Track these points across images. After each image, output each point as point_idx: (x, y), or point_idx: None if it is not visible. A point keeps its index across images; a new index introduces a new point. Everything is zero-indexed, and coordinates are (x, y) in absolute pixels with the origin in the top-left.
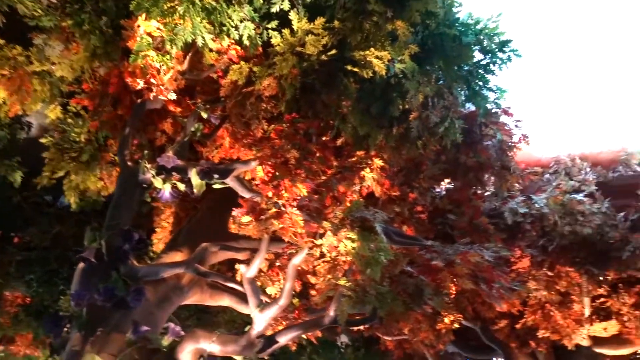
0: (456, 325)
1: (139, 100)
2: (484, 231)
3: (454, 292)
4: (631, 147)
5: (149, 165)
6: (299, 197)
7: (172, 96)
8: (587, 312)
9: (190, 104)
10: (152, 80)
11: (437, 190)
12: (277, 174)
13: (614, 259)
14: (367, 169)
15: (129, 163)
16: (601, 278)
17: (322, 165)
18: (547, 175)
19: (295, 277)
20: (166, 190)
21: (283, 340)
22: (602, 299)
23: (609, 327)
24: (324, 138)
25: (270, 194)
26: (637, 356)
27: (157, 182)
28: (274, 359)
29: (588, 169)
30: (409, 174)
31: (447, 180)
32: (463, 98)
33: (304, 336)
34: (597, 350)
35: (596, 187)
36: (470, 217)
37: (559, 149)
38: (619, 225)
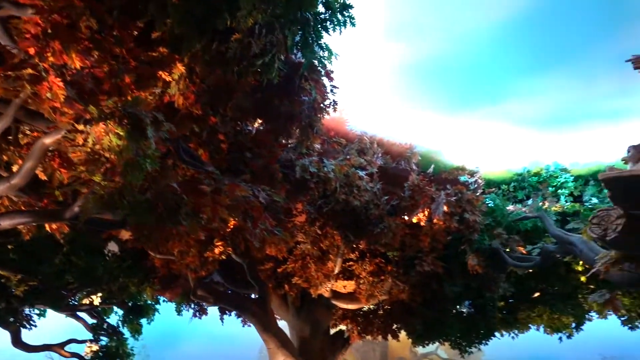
0: (223, 257)
1: None
2: (274, 178)
3: (231, 226)
4: (418, 148)
5: None
6: (74, 70)
7: None
8: (336, 270)
9: None
10: None
11: (249, 128)
12: (50, 31)
13: (369, 232)
14: (174, 75)
15: None
16: (355, 245)
17: (118, 47)
18: (348, 149)
19: (40, 158)
20: None
21: (7, 223)
22: (350, 262)
23: (348, 286)
24: (135, 23)
25: (32, 52)
26: (360, 312)
27: None
28: (19, 249)
29: (380, 154)
30: (217, 97)
31: (259, 121)
32: (293, 44)
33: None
34: (334, 302)
35: (377, 170)
36: (267, 161)
37: (370, 129)
38: (381, 206)
